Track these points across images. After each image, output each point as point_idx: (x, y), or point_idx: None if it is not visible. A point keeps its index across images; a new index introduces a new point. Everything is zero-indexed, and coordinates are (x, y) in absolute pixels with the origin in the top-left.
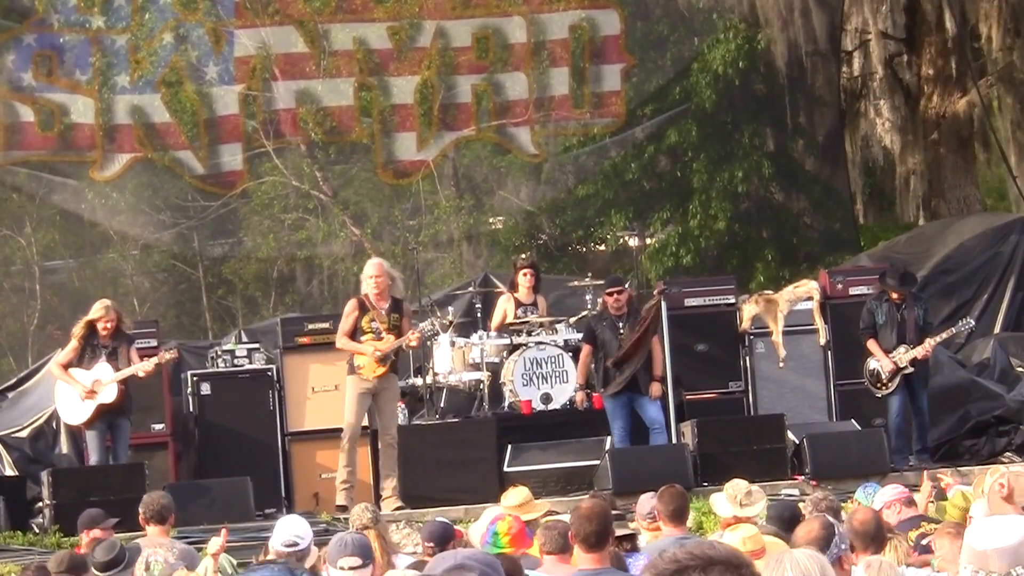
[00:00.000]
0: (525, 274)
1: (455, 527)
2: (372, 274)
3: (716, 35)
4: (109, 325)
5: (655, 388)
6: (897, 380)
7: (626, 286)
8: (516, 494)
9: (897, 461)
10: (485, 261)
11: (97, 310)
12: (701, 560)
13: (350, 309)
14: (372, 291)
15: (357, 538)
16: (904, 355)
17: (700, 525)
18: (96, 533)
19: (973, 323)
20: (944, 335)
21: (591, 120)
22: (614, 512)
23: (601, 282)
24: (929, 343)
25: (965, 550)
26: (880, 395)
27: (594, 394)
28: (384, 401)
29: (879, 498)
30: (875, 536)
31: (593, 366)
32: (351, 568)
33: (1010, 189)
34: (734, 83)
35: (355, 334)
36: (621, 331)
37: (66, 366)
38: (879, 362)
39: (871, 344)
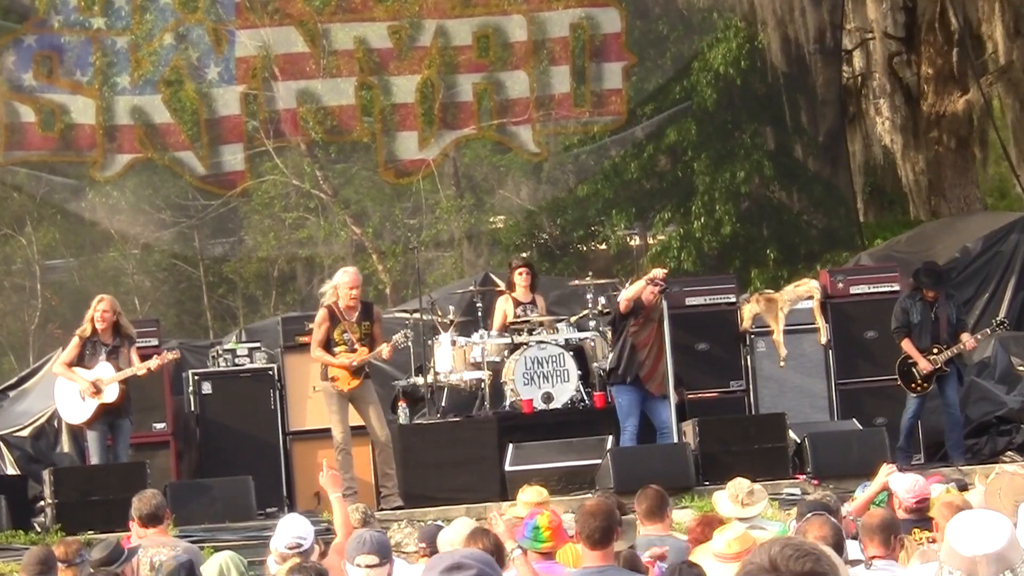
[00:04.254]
0: (521, 273)
1: None
2: (349, 284)
3: (716, 34)
4: (105, 315)
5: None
6: (932, 383)
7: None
8: (534, 492)
9: (899, 459)
10: (486, 260)
11: (94, 302)
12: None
13: (321, 319)
14: (347, 302)
15: (376, 536)
16: (940, 356)
17: None
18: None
19: (1006, 321)
20: (979, 336)
21: (592, 119)
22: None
23: (602, 281)
24: (967, 340)
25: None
26: (914, 396)
27: (595, 393)
28: (364, 406)
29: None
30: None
31: (619, 351)
32: (368, 566)
33: (1012, 187)
34: (735, 82)
35: (327, 345)
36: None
37: (68, 365)
38: (917, 364)
39: (906, 344)
